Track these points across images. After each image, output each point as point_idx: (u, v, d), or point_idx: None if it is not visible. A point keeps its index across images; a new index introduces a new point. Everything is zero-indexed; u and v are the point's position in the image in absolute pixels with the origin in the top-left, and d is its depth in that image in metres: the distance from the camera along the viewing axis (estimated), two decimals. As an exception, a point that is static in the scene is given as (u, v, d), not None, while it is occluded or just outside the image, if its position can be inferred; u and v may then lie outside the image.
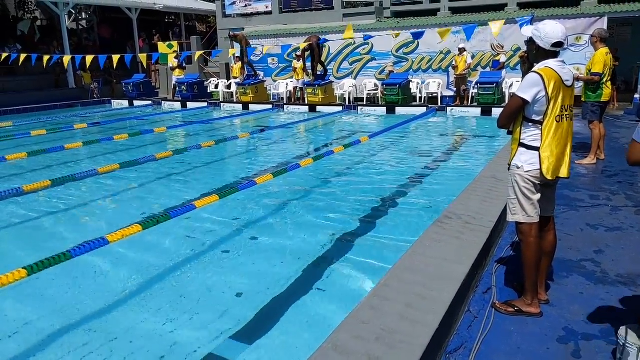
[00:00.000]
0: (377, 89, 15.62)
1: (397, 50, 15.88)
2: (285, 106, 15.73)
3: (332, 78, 16.52)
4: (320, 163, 7.74)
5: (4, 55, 14.34)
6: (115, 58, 12.44)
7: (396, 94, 14.43)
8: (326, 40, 15.66)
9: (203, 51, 16.11)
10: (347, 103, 15.57)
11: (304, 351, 3.00)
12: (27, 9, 25.05)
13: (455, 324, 2.83)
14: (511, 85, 13.45)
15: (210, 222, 5.30)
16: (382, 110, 14.39)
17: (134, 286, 3.93)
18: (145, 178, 7.42)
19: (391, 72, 15.46)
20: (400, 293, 2.82)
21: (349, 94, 15.85)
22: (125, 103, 18.06)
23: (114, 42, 21.63)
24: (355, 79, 16.45)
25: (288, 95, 16.67)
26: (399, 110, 14.04)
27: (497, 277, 3.49)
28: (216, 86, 18.07)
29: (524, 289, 2.98)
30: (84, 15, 25.62)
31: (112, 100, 18.51)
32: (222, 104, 16.80)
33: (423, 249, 3.49)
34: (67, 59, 14.18)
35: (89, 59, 12.49)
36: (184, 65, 18.31)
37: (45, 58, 13.34)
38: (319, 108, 15.15)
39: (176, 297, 3.68)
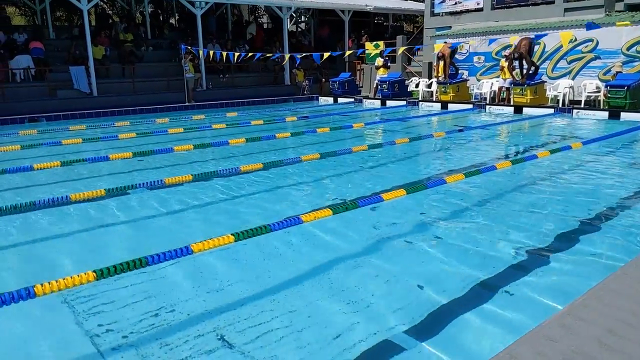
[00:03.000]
0: (599, 91, 13.73)
1: (629, 48, 13.70)
2: (488, 106, 14.93)
3: (544, 78, 15.08)
4: (520, 167, 7.14)
5: (236, 54, 16.63)
6: (326, 55, 13.43)
7: (623, 97, 12.47)
8: (541, 37, 14.34)
9: (406, 46, 16.25)
10: (560, 105, 14.05)
11: (477, 357, 2.81)
12: (257, 14, 28.62)
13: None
14: None
15: (395, 216, 5.33)
16: (603, 115, 12.60)
17: (318, 265, 4.15)
18: (341, 168, 7.82)
19: (619, 72, 13.41)
20: (601, 315, 2.43)
21: (564, 95, 14.27)
22: (330, 100, 19.30)
23: (327, 43, 23.28)
24: (573, 79, 14.72)
25: (492, 95, 15.77)
26: (625, 115, 12.12)
27: None
28: (417, 85, 18.09)
29: None
30: (302, 18, 28.14)
31: (320, 97, 19.98)
32: (420, 103, 16.75)
33: (638, 272, 2.94)
34: (287, 57, 15.79)
35: (307, 54, 13.83)
36: (389, 64, 18.74)
37: (268, 56, 15.15)
38: (525, 110, 14.00)
39: (355, 283, 3.77)
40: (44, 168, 7.28)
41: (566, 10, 16.21)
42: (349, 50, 19.53)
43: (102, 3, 26.13)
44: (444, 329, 3.09)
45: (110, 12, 27.55)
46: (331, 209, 4.89)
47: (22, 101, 15.25)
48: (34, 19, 25.07)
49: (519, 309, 3.29)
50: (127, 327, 3.15)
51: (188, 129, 11.85)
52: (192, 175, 6.83)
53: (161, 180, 6.49)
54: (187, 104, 17.03)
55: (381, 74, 18.22)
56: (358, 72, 22.07)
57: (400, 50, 15.31)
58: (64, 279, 3.05)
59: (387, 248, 4.51)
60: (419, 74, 19.42)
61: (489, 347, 2.87)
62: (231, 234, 4.13)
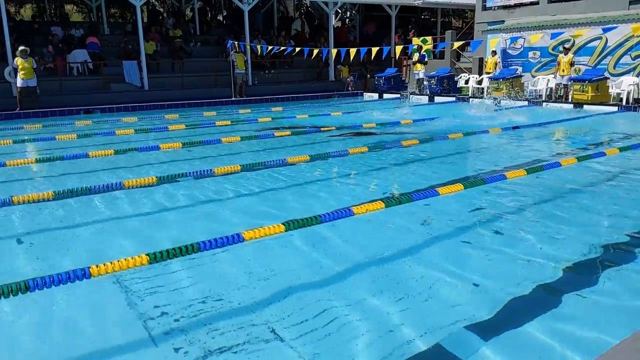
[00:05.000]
0: (666, 89, 12.90)
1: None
2: (544, 103, 14.31)
3: (606, 74, 14.30)
4: (586, 164, 6.72)
5: (282, 49, 16.62)
6: (374, 50, 13.20)
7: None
8: (609, 30, 13.53)
9: (462, 42, 15.81)
10: (624, 103, 13.28)
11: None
12: (302, 10, 28.62)
13: None
14: None
15: (450, 211, 5.09)
16: (673, 113, 11.83)
17: (369, 259, 3.98)
18: (391, 161, 7.61)
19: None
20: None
21: (628, 93, 13.47)
22: (375, 96, 19.03)
23: (373, 39, 23.00)
24: (638, 76, 13.89)
25: (548, 92, 15.10)
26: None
27: None
28: (466, 81, 17.58)
29: None
30: (348, 14, 27.94)
31: (364, 93, 19.74)
32: (470, 99, 16.25)
33: None
34: (334, 52, 15.66)
35: (352, 52, 13.61)
36: (426, 60, 18.39)
37: (315, 51, 15.03)
38: (586, 107, 13.32)
39: (406, 279, 3.60)
40: (98, 156, 7.45)
41: (631, 2, 15.31)
42: (396, 45, 19.21)
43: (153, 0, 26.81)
44: (507, 332, 2.86)
45: (160, 8, 28.23)
46: (384, 202, 4.72)
47: (79, 93, 15.78)
48: (90, 16, 25.99)
49: (591, 320, 3.02)
50: (178, 312, 3.10)
51: (235, 121, 11.92)
52: (240, 165, 6.80)
53: (210, 170, 6.49)
54: (233, 98, 17.18)
55: (419, 69, 18.02)
56: (404, 68, 21.69)
57: (455, 45, 14.90)
58: (118, 261, 3.03)
59: (440, 244, 4.30)
60: (469, 70, 18.87)
61: (560, 356, 2.64)
62: (282, 224, 4.04)
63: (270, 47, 16.89)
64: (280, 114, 13.52)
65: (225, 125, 11.22)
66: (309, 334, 2.86)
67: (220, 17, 28.03)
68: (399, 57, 19.57)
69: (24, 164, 7.25)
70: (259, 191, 6.02)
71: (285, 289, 3.43)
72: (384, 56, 13.66)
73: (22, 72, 13.53)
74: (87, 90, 16.27)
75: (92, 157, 7.46)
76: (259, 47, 17.67)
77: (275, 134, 9.84)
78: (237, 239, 3.73)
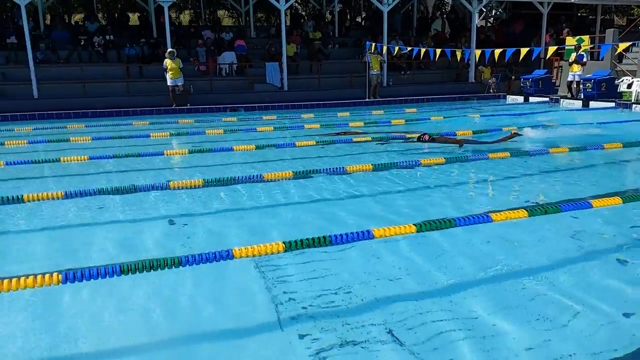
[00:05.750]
0: None
1: None
2: None
3: None
4: None
5: (422, 50, 16.30)
6: (523, 51, 12.37)
7: None
8: None
9: (628, 43, 14.11)
10: None
11: None
12: (443, 10, 27.84)
13: None
14: None
15: (603, 226, 4.54)
16: None
17: (502, 272, 3.70)
18: (534, 169, 7.04)
19: None
20: None
21: None
22: (520, 99, 17.77)
23: (519, 38, 21.54)
24: None
25: None
26: None
27: None
28: (629, 85, 15.60)
29: None
30: (493, 12, 26.53)
31: (507, 96, 18.55)
32: (633, 105, 14.40)
33: None
34: (477, 52, 15.01)
35: (497, 52, 12.90)
36: (584, 60, 16.57)
37: (459, 53, 14.54)
38: None
39: (540, 299, 3.26)
40: (241, 150, 8.01)
41: None
42: (547, 45, 17.78)
43: (296, 3, 28.10)
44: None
45: (302, 12, 29.52)
46: (527, 211, 4.37)
47: (225, 93, 17.14)
48: (239, 20, 28.12)
49: None
50: (307, 300, 3.19)
51: (367, 122, 11.99)
52: (372, 164, 6.80)
53: (343, 168, 6.59)
54: (367, 99, 17.31)
55: (575, 70, 16.23)
56: (555, 70, 19.96)
57: (621, 47, 13.34)
58: (257, 246, 3.20)
59: (591, 262, 3.84)
60: (633, 73, 16.75)
61: None
62: (413, 224, 3.94)
63: (409, 48, 16.69)
64: (414, 116, 13.29)
65: (358, 126, 11.33)
66: (431, 341, 2.75)
67: (359, 19, 28.47)
68: (549, 58, 18.07)
69: (178, 154, 8.07)
70: (389, 190, 5.97)
71: (410, 293, 3.35)
72: (533, 57, 12.69)
73: (171, 72, 14.89)
74: (234, 89, 17.59)
75: (236, 150, 8.05)
76: (396, 48, 17.56)
77: (407, 135, 9.69)
78: (367, 235, 3.73)
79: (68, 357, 2.68)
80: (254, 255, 3.21)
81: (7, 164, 7.03)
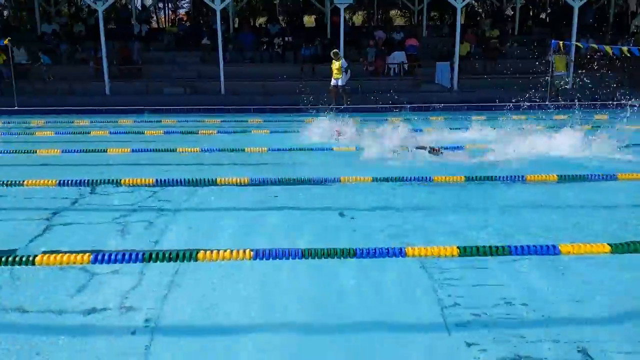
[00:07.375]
0: None
1: None
2: None
3: None
4: None
5: (624, 49, 14.34)
6: None
7: None
8: None
9: None
10: None
11: None
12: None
13: None
14: None
15: None
16: None
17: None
18: None
19: None
20: None
21: None
22: None
23: None
24: None
25: None
26: None
27: None
28: None
29: None
30: None
31: None
32: None
33: None
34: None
35: None
36: None
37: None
38: None
39: None
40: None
41: None
42: None
43: (472, 1, 26.94)
44: None
45: (479, 10, 28.18)
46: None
47: (392, 92, 17.17)
48: (411, 19, 27.95)
49: None
50: (477, 307, 3.07)
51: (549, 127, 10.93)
52: (556, 175, 6.16)
53: (522, 176, 6.10)
54: (547, 102, 15.83)
55: None
56: None
57: None
58: (430, 247, 3.12)
59: None
60: None
61: None
62: (608, 244, 3.48)
63: (607, 47, 14.80)
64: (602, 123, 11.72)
65: (539, 129, 10.37)
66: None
67: (543, 16, 26.22)
68: None
69: (346, 150, 8.26)
70: (575, 205, 5.37)
71: (602, 315, 3.05)
72: None
73: (335, 71, 15.28)
74: (400, 89, 17.53)
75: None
76: (594, 46, 15.72)
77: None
78: (552, 250, 3.39)
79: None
80: (425, 256, 3.14)
81: (202, 150, 7.99)
